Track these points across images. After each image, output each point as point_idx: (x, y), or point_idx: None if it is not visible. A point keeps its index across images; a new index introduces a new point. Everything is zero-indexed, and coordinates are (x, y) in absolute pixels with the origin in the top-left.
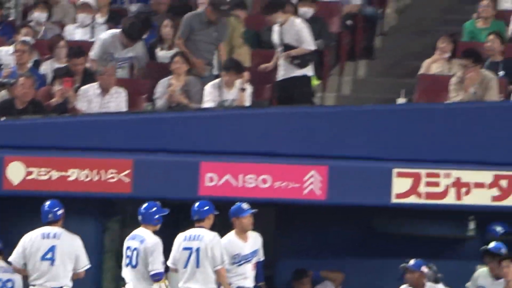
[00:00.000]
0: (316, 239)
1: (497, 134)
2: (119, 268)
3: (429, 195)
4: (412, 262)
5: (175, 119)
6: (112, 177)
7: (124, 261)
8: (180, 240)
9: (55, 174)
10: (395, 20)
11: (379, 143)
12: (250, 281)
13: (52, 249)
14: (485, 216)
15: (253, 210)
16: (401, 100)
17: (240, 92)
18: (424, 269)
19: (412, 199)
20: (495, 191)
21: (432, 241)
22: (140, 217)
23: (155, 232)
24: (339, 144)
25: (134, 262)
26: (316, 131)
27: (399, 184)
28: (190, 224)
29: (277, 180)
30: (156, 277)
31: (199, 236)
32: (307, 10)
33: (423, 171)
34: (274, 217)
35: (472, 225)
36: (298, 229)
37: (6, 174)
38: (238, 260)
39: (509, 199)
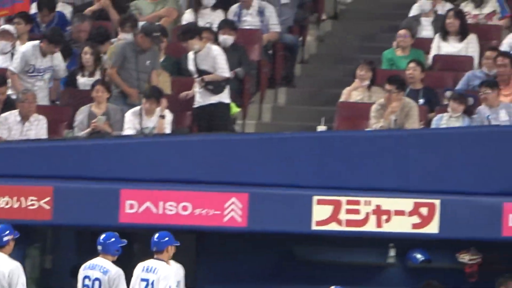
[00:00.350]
0: (237, 267)
1: (417, 161)
2: None
3: (349, 223)
4: None
5: (96, 147)
6: (33, 204)
7: None
8: (139, 271)
9: None
10: (315, 48)
11: (300, 171)
12: None
13: None
14: (405, 243)
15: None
16: (321, 128)
17: (160, 120)
18: None
19: (333, 226)
20: (415, 219)
21: (353, 268)
22: (99, 247)
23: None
24: (260, 171)
25: None
26: (237, 158)
27: (320, 212)
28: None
29: (198, 207)
30: None
31: (155, 269)
32: (227, 38)
33: (343, 199)
34: (194, 245)
35: (392, 253)
36: (219, 257)
37: None
38: None
39: (429, 227)
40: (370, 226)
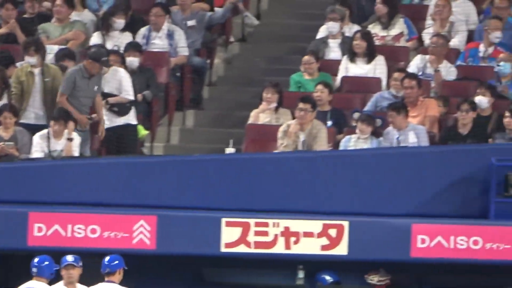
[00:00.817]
0: None
1: (326, 183)
2: None
3: (258, 244)
4: None
5: (3, 170)
6: None
7: None
8: None
9: None
10: (223, 70)
11: (208, 193)
12: None
13: None
14: (314, 265)
15: (71, 262)
16: (229, 150)
17: (68, 142)
18: None
19: (242, 249)
20: (324, 240)
21: None
22: (34, 270)
23: None
24: (168, 194)
25: None
26: (145, 181)
27: (228, 234)
28: None
29: (106, 230)
30: None
31: None
32: (133, 60)
33: (252, 221)
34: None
35: (301, 274)
36: (128, 280)
37: None
38: None
39: (338, 248)
40: (279, 248)
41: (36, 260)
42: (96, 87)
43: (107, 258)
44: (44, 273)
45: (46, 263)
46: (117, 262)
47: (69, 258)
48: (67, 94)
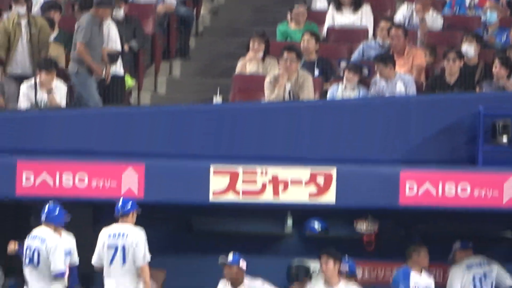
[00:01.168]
0: None
1: (314, 132)
2: None
3: (246, 193)
4: (230, 257)
5: None
6: None
7: (25, 260)
8: (105, 237)
9: None
10: (209, 20)
11: (196, 142)
12: None
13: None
14: (302, 213)
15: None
16: (217, 100)
17: (50, 95)
18: (243, 263)
19: (230, 197)
20: (312, 188)
21: (251, 238)
22: (43, 217)
23: None
24: (156, 143)
25: (35, 262)
26: (133, 130)
27: (217, 182)
28: None
29: (94, 178)
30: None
31: (124, 234)
32: (119, 10)
33: (240, 169)
34: (91, 217)
35: (289, 222)
36: None
37: None
38: None
39: (326, 196)
40: (267, 196)
41: (47, 207)
42: (104, 35)
43: (120, 201)
44: (53, 220)
45: (57, 210)
46: (131, 204)
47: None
48: (85, 42)
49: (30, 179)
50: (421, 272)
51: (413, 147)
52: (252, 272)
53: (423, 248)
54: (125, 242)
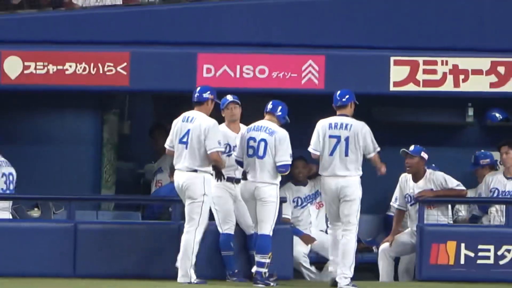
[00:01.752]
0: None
1: (493, 21)
2: (118, 160)
3: (426, 83)
4: (412, 147)
5: (171, 11)
6: (110, 70)
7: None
8: (326, 127)
9: (52, 68)
10: None
11: (376, 32)
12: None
13: (187, 132)
14: (483, 102)
15: (233, 100)
16: None
17: None
18: (424, 154)
19: (410, 87)
20: (492, 78)
21: (431, 128)
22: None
23: None
24: (336, 34)
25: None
26: (312, 21)
27: (397, 72)
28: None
29: (275, 70)
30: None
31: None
32: None
33: (420, 59)
34: None
35: (470, 112)
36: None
37: (3, 68)
38: (228, 150)
39: (507, 86)
40: (448, 86)
41: (197, 89)
42: None
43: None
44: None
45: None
46: (347, 96)
47: (228, 97)
48: None
49: (211, 71)
50: None
51: None
52: (433, 162)
53: None
54: (348, 134)
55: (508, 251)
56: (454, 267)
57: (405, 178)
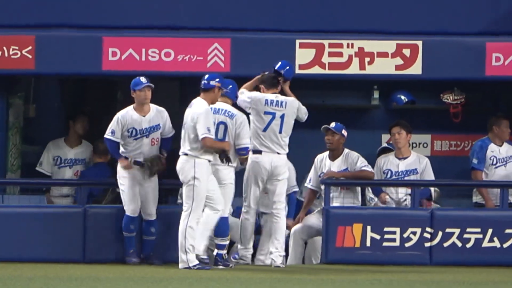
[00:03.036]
0: None
1: (399, 3)
2: (23, 143)
3: (332, 66)
4: (333, 124)
5: None
6: (15, 54)
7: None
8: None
9: None
10: None
11: (282, 15)
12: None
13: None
14: (389, 85)
15: (148, 83)
16: None
17: None
18: (345, 132)
19: (316, 70)
20: (398, 60)
21: (338, 111)
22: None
23: None
24: (241, 17)
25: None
26: (219, 4)
27: (302, 55)
28: None
29: (180, 53)
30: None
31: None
32: None
33: (326, 42)
34: (178, 91)
35: (376, 95)
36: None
37: None
38: (135, 134)
39: (412, 68)
40: (354, 69)
41: (205, 76)
42: None
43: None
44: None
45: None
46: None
47: (142, 79)
48: None
49: (116, 54)
50: (501, 144)
51: (499, 17)
52: None
53: (504, 120)
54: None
55: (414, 233)
56: (360, 249)
57: (321, 157)
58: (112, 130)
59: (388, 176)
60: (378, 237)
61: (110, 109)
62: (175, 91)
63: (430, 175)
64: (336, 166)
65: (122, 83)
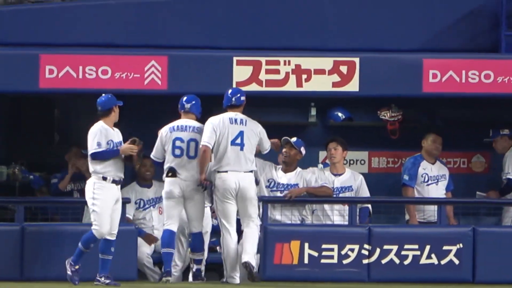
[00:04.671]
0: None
1: (336, 20)
2: None
3: (269, 83)
4: (294, 139)
5: (10, 12)
6: None
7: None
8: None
9: None
10: None
11: (218, 32)
12: None
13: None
14: (326, 102)
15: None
16: None
17: None
18: (303, 150)
19: (253, 87)
20: (335, 77)
21: (275, 128)
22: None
23: None
24: (178, 34)
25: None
26: (155, 22)
27: (240, 72)
28: None
29: (118, 71)
30: None
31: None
32: None
33: (263, 59)
34: None
35: (313, 112)
36: (140, 119)
37: None
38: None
39: (349, 85)
40: (290, 86)
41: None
42: None
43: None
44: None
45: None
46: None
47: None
48: None
49: (53, 72)
50: (434, 162)
51: (435, 34)
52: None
53: (436, 137)
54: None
55: (352, 250)
56: (298, 266)
57: (270, 164)
58: (98, 142)
59: None
60: (316, 254)
61: (47, 127)
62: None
63: (366, 192)
64: (288, 178)
65: (59, 101)
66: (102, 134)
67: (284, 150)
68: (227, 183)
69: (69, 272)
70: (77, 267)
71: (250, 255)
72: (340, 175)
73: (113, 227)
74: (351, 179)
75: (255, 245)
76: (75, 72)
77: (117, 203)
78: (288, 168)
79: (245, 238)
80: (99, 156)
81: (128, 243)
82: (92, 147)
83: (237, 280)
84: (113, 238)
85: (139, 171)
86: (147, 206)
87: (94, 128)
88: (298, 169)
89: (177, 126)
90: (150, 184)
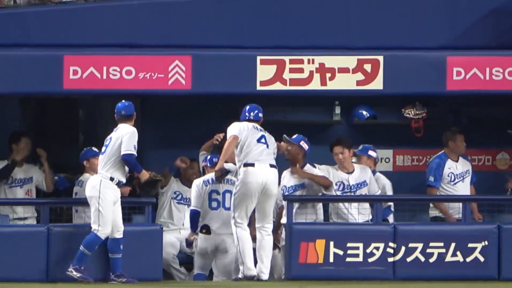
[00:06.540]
0: (182, 130)
1: (360, 19)
2: None
3: (293, 82)
4: (294, 136)
5: (33, 14)
6: None
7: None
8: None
9: None
10: None
11: (242, 32)
12: None
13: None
14: (350, 100)
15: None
16: None
17: None
18: (304, 144)
19: (277, 86)
20: (359, 76)
21: (299, 127)
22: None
23: None
24: (202, 34)
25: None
26: (179, 21)
27: (264, 72)
28: None
29: (141, 71)
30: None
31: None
32: None
33: (287, 58)
34: (139, 109)
35: (337, 110)
36: (163, 121)
37: None
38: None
39: (373, 83)
40: (315, 85)
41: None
42: None
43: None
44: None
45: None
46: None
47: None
48: None
49: (77, 72)
50: (457, 159)
51: (459, 32)
52: None
53: (459, 135)
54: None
55: (377, 248)
56: (323, 265)
57: (287, 173)
58: (134, 146)
59: (341, 188)
60: (341, 252)
61: (71, 127)
62: (136, 109)
63: (374, 183)
64: (295, 178)
65: (83, 102)
66: (136, 138)
67: (287, 148)
68: (254, 176)
69: (77, 276)
70: (82, 267)
71: (267, 271)
72: (351, 172)
73: (119, 225)
74: (363, 174)
75: (270, 258)
76: (99, 72)
77: (116, 204)
78: (294, 166)
79: (262, 249)
80: (132, 159)
81: (154, 243)
82: (129, 148)
83: (266, 276)
84: (121, 236)
85: (185, 172)
86: (183, 203)
87: (130, 129)
88: (308, 166)
89: None
90: (190, 185)
